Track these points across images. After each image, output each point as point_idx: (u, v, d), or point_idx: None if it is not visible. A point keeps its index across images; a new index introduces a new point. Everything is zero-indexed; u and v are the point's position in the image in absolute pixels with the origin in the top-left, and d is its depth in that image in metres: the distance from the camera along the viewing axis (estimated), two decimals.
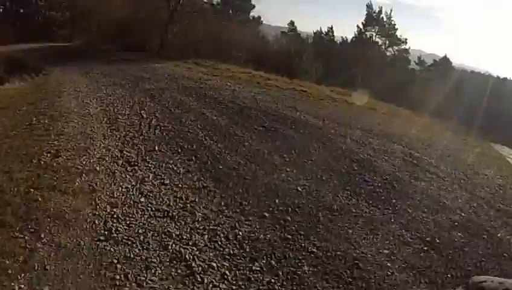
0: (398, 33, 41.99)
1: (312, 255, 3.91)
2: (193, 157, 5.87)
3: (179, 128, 7.24)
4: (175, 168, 5.54)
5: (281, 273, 3.61)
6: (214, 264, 3.61)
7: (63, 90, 10.49)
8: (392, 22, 42.13)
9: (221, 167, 5.68)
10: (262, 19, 38.70)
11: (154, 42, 22.13)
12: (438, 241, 4.45)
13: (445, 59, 42.45)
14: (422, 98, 22.58)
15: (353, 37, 43.07)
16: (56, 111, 8.14)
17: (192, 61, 17.53)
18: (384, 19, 42.01)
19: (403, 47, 42.45)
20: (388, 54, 42.97)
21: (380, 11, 41.65)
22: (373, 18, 42.03)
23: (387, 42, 42.63)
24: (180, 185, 5.05)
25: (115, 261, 3.53)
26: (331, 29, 44.87)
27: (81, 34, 27.93)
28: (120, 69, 14.27)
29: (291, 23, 45.81)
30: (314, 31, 45.51)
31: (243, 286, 3.41)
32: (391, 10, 51.83)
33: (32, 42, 28.53)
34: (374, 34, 42.50)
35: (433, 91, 25.96)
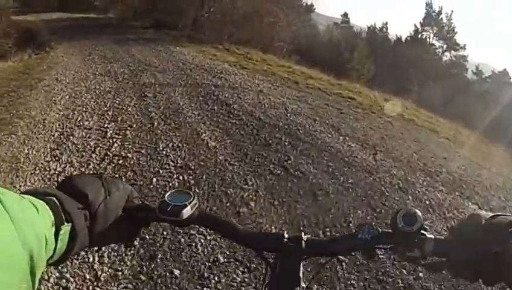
0: (456, 37, 37.77)
1: None
2: (129, 252, 3.16)
3: (145, 166, 4.56)
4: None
5: None
6: None
7: (44, 78, 8.52)
8: (452, 24, 37.83)
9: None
10: (314, 7, 35.00)
11: (189, 21, 19.56)
12: None
13: (504, 73, 37.76)
14: (482, 115, 19.09)
15: (408, 36, 39.26)
16: (11, 113, 6.22)
17: (223, 47, 14.83)
18: (444, 20, 37.73)
19: (461, 53, 38.10)
20: (444, 58, 38.73)
21: (440, 11, 37.44)
22: (432, 18, 37.86)
23: (444, 46, 38.35)
24: None
25: None
26: (385, 25, 41.28)
27: (116, 6, 25.74)
28: (131, 51, 11.86)
29: (345, 14, 42.84)
30: (368, 25, 42.18)
31: None
32: (452, 11, 46.53)
33: (70, 12, 26.95)
34: (432, 36, 38.38)
35: (494, 108, 22.26)
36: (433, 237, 0.71)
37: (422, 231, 0.71)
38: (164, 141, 5.26)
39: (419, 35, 38.63)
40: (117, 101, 6.88)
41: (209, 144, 5.28)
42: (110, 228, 0.71)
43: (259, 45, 16.71)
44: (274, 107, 7.44)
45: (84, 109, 6.46)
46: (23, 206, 0.53)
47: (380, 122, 8.01)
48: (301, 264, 0.76)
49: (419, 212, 0.72)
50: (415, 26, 38.68)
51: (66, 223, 0.60)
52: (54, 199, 0.61)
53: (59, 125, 5.76)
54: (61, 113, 6.29)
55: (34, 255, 0.50)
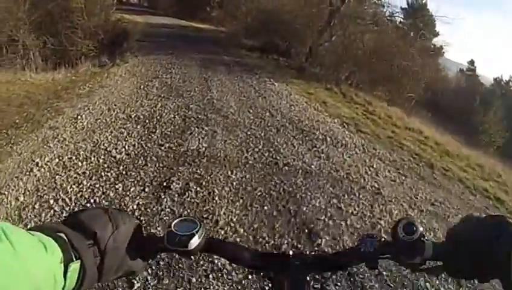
0: None
1: None
2: None
3: None
4: None
5: None
6: None
7: (64, 112, 6.14)
8: None
9: None
10: (444, 50, 29.34)
11: (304, 48, 16.30)
12: None
13: None
14: None
15: None
16: None
17: (339, 90, 11.28)
18: None
19: None
20: None
21: None
22: None
23: None
24: None
25: None
26: None
27: (230, 20, 23.41)
28: (210, 82, 8.95)
29: (471, 62, 37.97)
30: (495, 77, 36.69)
31: None
32: None
33: (184, 19, 25.56)
34: None
35: None
36: (431, 242, 0.73)
37: (421, 239, 0.72)
38: None
39: None
40: (112, 194, 3.76)
41: None
42: (119, 262, 0.69)
43: (384, 92, 12.91)
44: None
45: (45, 203, 3.52)
46: (31, 244, 0.52)
47: None
48: (307, 279, 0.76)
49: (417, 222, 0.74)
50: None
51: (75, 260, 0.58)
52: (63, 235, 0.59)
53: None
54: (20, 200, 3.52)
55: None
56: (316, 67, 14.06)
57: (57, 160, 4.37)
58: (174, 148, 4.99)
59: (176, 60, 10.69)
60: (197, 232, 0.74)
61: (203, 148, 5.07)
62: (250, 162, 4.97)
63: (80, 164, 4.33)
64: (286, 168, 5.02)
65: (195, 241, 0.73)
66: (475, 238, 0.68)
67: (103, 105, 6.34)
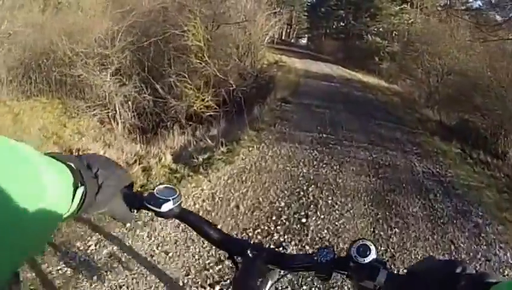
0: None
1: None
2: None
3: None
4: None
5: None
6: None
7: None
8: None
9: None
10: None
11: None
12: None
13: None
14: None
15: None
16: None
17: None
18: None
19: None
20: None
21: None
22: None
23: None
24: None
25: None
26: None
27: (404, 78, 18.09)
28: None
29: None
30: None
31: None
32: None
33: (349, 68, 21.59)
34: None
35: None
36: (386, 271, 0.71)
37: (375, 264, 0.71)
38: None
39: None
40: None
41: None
42: (110, 200, 0.76)
43: None
44: None
45: None
46: (49, 164, 0.57)
47: None
48: (262, 270, 0.79)
49: (373, 246, 0.73)
50: None
51: (80, 186, 0.64)
52: (72, 165, 0.65)
53: None
54: None
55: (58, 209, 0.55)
56: None
57: None
58: None
59: (328, 162, 5.99)
60: (173, 199, 0.79)
61: None
62: None
63: None
64: None
65: (166, 206, 0.79)
66: (431, 278, 0.67)
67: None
